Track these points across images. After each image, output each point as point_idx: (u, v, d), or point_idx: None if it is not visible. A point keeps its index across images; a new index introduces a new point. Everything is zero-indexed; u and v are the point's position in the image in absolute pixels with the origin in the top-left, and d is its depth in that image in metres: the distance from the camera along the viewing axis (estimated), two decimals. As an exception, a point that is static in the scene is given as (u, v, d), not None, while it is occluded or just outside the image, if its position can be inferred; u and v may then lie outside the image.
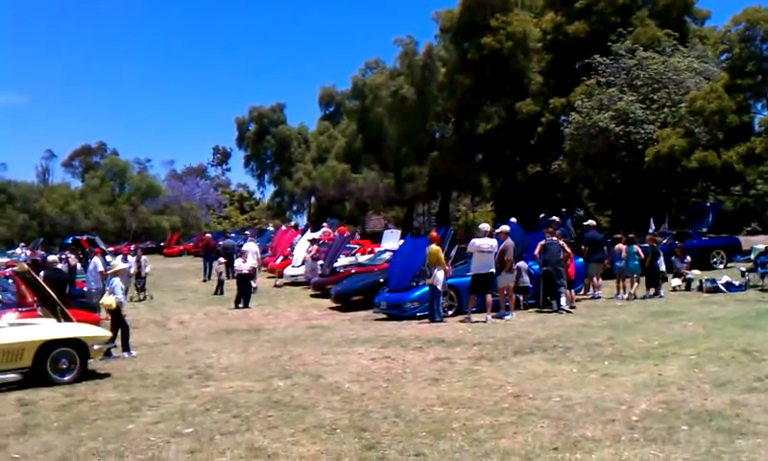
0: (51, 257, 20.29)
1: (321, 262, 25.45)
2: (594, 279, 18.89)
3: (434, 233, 17.17)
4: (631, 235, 19.14)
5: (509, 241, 16.29)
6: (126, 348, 13.84)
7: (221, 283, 25.04)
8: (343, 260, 25.42)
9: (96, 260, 23.68)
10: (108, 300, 13.83)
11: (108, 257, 29.62)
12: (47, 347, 11.35)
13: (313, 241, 28.16)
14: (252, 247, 24.92)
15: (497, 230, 17.11)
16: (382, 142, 52.15)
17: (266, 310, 19.82)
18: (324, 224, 38.86)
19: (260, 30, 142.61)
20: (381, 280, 19.02)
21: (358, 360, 11.88)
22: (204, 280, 29.05)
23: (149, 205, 71.93)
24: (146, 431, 8.15)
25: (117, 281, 14.08)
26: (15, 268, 15.93)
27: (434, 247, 16.07)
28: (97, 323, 14.15)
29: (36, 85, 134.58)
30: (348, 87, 58.99)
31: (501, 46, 38.59)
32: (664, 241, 21.64)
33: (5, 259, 35.80)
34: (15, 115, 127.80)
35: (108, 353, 12.64)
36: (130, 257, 24.90)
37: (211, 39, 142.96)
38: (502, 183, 44.10)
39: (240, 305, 20.35)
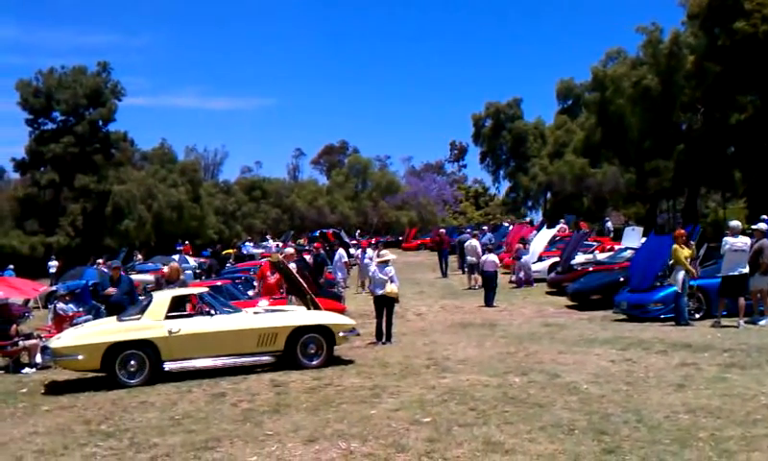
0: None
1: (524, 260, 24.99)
2: None
3: (679, 231, 16.25)
4: None
5: (765, 241, 14.98)
6: (389, 336, 14.50)
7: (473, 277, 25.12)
8: (580, 258, 24.81)
9: (341, 252, 25.07)
10: (392, 288, 14.42)
11: (352, 250, 31.23)
12: (298, 332, 12.18)
13: (522, 240, 27.56)
14: (472, 243, 24.97)
15: (753, 228, 15.83)
16: (623, 135, 50.07)
17: (501, 306, 19.81)
18: (562, 220, 38.11)
19: (497, 24, 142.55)
20: (621, 279, 18.31)
21: (597, 361, 11.53)
22: (440, 277, 29.42)
23: (389, 200, 74.45)
24: (387, 417, 8.47)
25: (393, 270, 14.69)
26: (270, 258, 17.15)
27: (676, 245, 15.24)
28: (342, 311, 14.93)
29: (285, 88, 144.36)
30: (588, 79, 57.30)
31: (756, 30, 35.66)
32: None
33: (261, 250, 38.87)
34: (269, 117, 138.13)
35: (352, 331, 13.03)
36: (369, 251, 25.92)
37: (448, 36, 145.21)
38: (757, 178, 40.79)
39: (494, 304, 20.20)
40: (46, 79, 57.24)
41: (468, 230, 32.90)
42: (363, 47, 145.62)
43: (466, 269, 26.43)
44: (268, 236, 49.62)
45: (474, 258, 23.91)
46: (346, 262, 25.03)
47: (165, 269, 16.78)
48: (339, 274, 23.52)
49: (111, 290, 14.82)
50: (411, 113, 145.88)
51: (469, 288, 24.41)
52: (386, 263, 14.80)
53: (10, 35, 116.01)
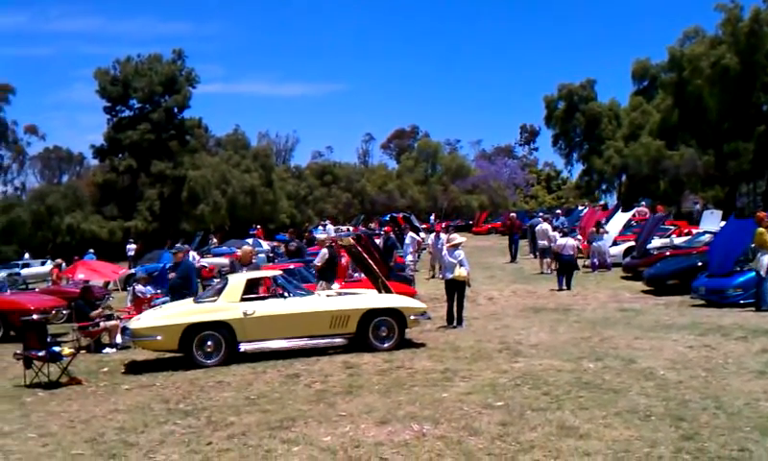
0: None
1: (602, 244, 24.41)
2: None
3: (761, 214, 15.74)
4: None
5: None
6: (459, 320, 14.47)
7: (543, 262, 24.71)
8: (656, 242, 24.25)
9: (411, 235, 25.06)
10: (461, 271, 14.38)
11: (422, 234, 31.17)
12: (370, 315, 12.27)
13: (597, 224, 26.84)
14: (543, 227, 24.53)
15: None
16: (701, 116, 48.67)
17: (575, 291, 19.53)
18: (643, 203, 37.26)
19: (570, 3, 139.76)
20: (699, 264, 17.84)
21: (674, 347, 11.31)
22: (510, 262, 28.85)
23: (459, 184, 74.16)
24: (459, 401, 8.48)
25: (462, 254, 14.67)
26: (342, 242, 17.26)
27: (760, 229, 14.77)
28: (413, 295, 14.94)
29: (356, 73, 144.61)
30: (664, 59, 55.83)
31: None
32: None
33: (333, 234, 39.20)
34: (340, 102, 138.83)
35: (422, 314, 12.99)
36: (443, 236, 25.76)
37: (520, 17, 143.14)
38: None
39: (564, 287, 19.97)
40: (123, 67, 58.70)
41: (540, 214, 32.42)
42: (433, 31, 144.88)
43: (537, 253, 26.10)
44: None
45: (546, 242, 23.59)
46: (418, 241, 25.03)
47: (239, 252, 17.15)
48: (409, 257, 23.50)
49: (171, 275, 15.27)
50: (481, 96, 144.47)
51: (541, 273, 24.11)
52: (456, 247, 14.76)
53: (91, 25, 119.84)
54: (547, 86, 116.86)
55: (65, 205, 53.49)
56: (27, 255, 38.88)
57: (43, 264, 39.87)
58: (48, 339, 11.89)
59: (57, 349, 11.42)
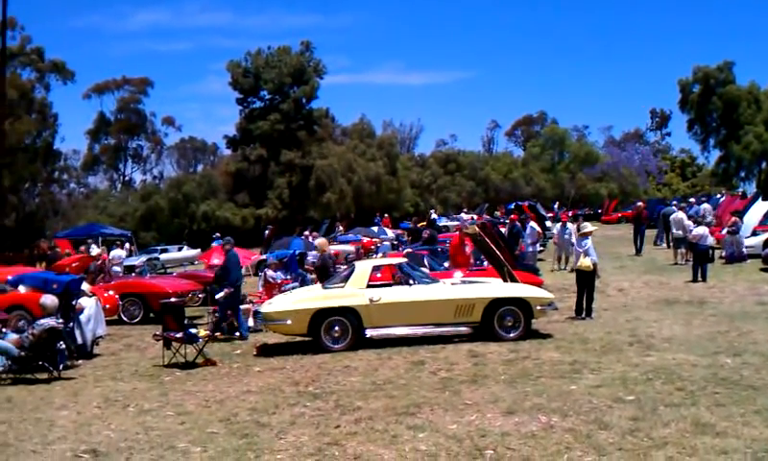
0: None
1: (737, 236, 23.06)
2: None
3: None
4: None
5: None
6: (589, 311, 14.20)
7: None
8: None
9: (532, 225, 24.74)
10: (585, 261, 14.18)
11: (548, 223, 30.62)
12: (495, 304, 12.19)
13: (736, 213, 25.29)
14: (678, 216, 23.37)
15: None
16: None
17: (710, 283, 18.67)
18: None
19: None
20: None
21: (820, 343, 10.67)
22: (635, 255, 27.10)
23: (587, 172, 72.32)
24: (588, 394, 8.31)
25: (590, 243, 14.41)
26: (467, 230, 17.17)
27: None
28: (539, 285, 14.71)
29: (483, 61, 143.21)
30: (811, 38, 52.57)
31: None
32: None
33: (454, 223, 39.12)
34: (465, 90, 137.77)
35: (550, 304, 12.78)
36: (570, 225, 25.19)
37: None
38: None
39: (699, 279, 19.07)
40: (254, 60, 60.59)
41: (674, 203, 31.10)
42: (561, 14, 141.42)
43: (671, 244, 25.06)
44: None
45: (680, 232, 22.64)
46: (538, 232, 24.68)
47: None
48: (530, 247, 23.21)
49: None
50: (611, 81, 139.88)
51: (675, 263, 23.17)
52: (585, 236, 14.47)
53: (223, 20, 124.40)
54: (680, 69, 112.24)
55: (200, 193, 55.87)
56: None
57: (180, 250, 41.71)
58: (185, 321, 12.47)
59: (193, 331, 11.95)
